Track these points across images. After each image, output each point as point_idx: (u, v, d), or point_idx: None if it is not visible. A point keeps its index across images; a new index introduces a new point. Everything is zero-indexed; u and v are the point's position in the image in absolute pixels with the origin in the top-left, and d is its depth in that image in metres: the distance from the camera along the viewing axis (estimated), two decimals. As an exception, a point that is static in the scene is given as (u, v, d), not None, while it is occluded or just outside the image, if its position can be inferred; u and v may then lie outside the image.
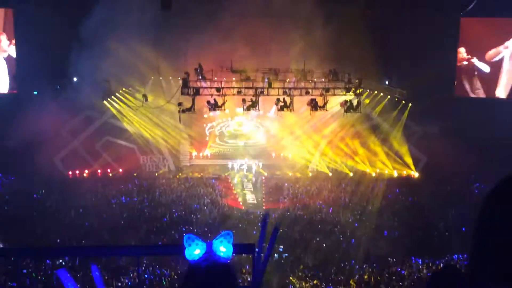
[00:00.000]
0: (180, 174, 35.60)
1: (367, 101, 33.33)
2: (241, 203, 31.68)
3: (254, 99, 28.11)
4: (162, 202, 29.88)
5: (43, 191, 29.44)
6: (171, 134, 35.75)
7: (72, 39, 27.99)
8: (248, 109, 28.60)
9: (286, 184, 33.50)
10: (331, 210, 28.98)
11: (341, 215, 28.21)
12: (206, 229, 25.01)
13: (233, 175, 36.53)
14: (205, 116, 35.88)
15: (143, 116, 34.33)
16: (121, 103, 33.85)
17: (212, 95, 27.75)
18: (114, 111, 33.96)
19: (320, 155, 36.33)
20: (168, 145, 35.97)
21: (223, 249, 3.13)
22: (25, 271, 16.58)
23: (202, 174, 35.94)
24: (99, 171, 34.37)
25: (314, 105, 28.48)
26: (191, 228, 25.58)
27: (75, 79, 32.05)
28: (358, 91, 28.87)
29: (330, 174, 35.77)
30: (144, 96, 29.70)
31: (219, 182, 34.68)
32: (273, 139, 38.10)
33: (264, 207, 30.69)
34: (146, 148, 35.50)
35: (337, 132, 35.31)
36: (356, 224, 26.96)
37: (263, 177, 35.27)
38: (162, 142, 35.70)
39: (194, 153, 38.46)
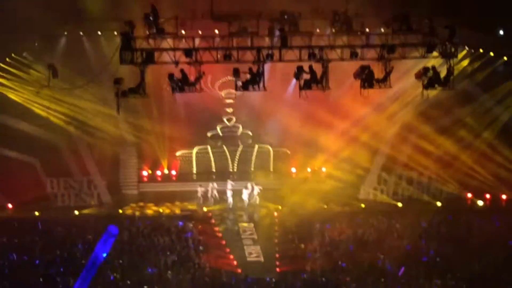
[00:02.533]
0: (121, 210, 35.62)
1: (462, 64, 33.39)
2: (235, 263, 31.57)
3: (255, 68, 27.78)
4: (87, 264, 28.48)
5: None
6: (104, 137, 36.14)
7: None
8: (244, 87, 28.17)
9: (317, 226, 33.39)
10: (402, 271, 28.88)
11: (422, 281, 27.95)
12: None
13: (221, 211, 36.41)
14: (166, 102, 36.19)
15: (50, 105, 34.54)
16: (8, 81, 34.08)
17: (177, 62, 27.64)
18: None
19: (380, 171, 36.61)
20: (98, 157, 36.27)
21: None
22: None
23: (162, 209, 35.91)
24: (-34, 207, 34.00)
25: (367, 78, 28.20)
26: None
27: None
28: (448, 50, 28.40)
29: (400, 204, 35.66)
30: (51, 68, 29.35)
31: (195, 224, 34.59)
32: (292, 141, 38.00)
33: (277, 269, 30.66)
34: (57, 165, 35.61)
35: (410, 126, 35.66)
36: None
37: (275, 213, 35.20)
38: (86, 150, 35.97)
39: (146, 173, 38.90)
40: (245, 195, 37.18)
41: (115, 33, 29.96)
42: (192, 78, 27.87)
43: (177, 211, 36.22)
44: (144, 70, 27.45)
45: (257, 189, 37.19)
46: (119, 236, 31.84)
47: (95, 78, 31.02)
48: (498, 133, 36.28)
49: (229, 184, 37.57)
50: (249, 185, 37.35)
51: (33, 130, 34.49)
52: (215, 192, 37.49)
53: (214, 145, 42.19)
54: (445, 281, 27.91)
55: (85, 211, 35.66)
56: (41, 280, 28.07)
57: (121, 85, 27.42)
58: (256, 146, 41.48)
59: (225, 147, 42.49)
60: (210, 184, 37.86)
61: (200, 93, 28.83)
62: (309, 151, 38.39)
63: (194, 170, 41.60)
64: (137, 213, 35.71)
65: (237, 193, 37.56)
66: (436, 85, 28.72)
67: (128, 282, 28.25)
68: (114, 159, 36.84)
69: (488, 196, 36.51)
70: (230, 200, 37.13)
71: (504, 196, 36.43)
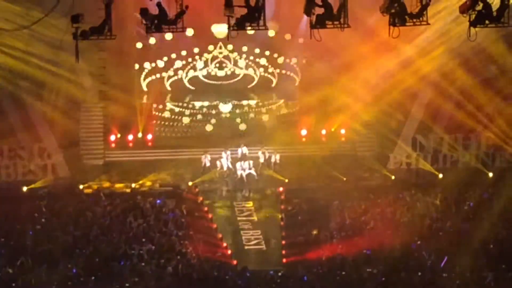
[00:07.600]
0: (82, 186, 35.47)
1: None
2: (230, 252, 31.30)
3: (253, 0, 26.13)
4: (41, 255, 29.17)
5: None
6: (59, 91, 35.71)
7: None
8: (240, 25, 26.38)
9: (335, 204, 33.07)
10: (445, 261, 28.46)
11: (469, 275, 27.39)
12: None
13: (212, 185, 36.56)
14: (138, 46, 36.24)
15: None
16: None
17: (152, -5, 27.71)
18: None
19: (415, 133, 36.49)
20: (53, 116, 35.97)
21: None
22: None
23: (134, 184, 35.87)
24: None
25: (398, 12, 26.21)
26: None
27: None
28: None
29: (441, 175, 35.49)
30: (-13, 1, 29.91)
31: (177, 203, 34.28)
32: (302, 95, 38.34)
33: (284, 260, 30.24)
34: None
35: (452, 77, 35.22)
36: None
37: (281, 188, 35.16)
38: (37, 109, 35.71)
39: (114, 137, 38.70)
40: (238, 164, 37.15)
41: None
42: (172, 14, 26.48)
43: (155, 186, 36.07)
44: (110, 3, 26.03)
45: (274, 157, 37.15)
46: (79, 219, 32.34)
47: (46, 15, 29.85)
48: None
49: (241, 149, 37.69)
50: (264, 149, 37.45)
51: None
52: (224, 160, 37.28)
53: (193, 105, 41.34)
54: (499, 274, 27.46)
55: (36, 187, 35.44)
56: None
57: (80, 24, 25.73)
58: (255, 101, 40.92)
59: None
60: (228, 152, 37.48)
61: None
62: (324, 108, 38.19)
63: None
64: (103, 188, 35.68)
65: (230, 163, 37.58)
66: (486, 22, 26.19)
67: (93, 277, 27.84)
68: (73, 119, 36.82)
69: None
70: (241, 172, 36.84)
71: None
